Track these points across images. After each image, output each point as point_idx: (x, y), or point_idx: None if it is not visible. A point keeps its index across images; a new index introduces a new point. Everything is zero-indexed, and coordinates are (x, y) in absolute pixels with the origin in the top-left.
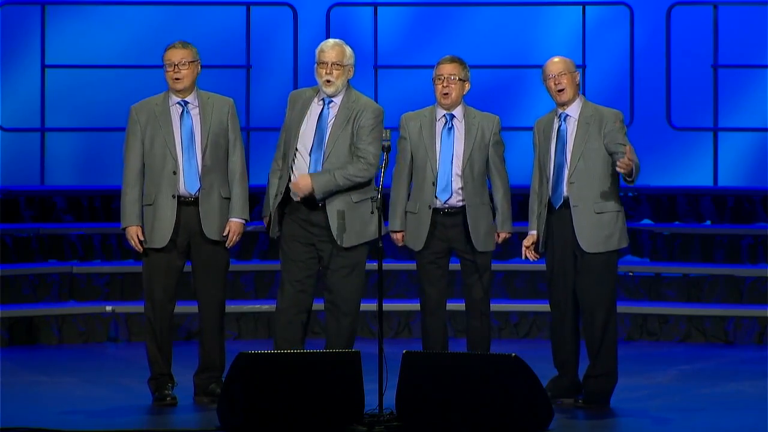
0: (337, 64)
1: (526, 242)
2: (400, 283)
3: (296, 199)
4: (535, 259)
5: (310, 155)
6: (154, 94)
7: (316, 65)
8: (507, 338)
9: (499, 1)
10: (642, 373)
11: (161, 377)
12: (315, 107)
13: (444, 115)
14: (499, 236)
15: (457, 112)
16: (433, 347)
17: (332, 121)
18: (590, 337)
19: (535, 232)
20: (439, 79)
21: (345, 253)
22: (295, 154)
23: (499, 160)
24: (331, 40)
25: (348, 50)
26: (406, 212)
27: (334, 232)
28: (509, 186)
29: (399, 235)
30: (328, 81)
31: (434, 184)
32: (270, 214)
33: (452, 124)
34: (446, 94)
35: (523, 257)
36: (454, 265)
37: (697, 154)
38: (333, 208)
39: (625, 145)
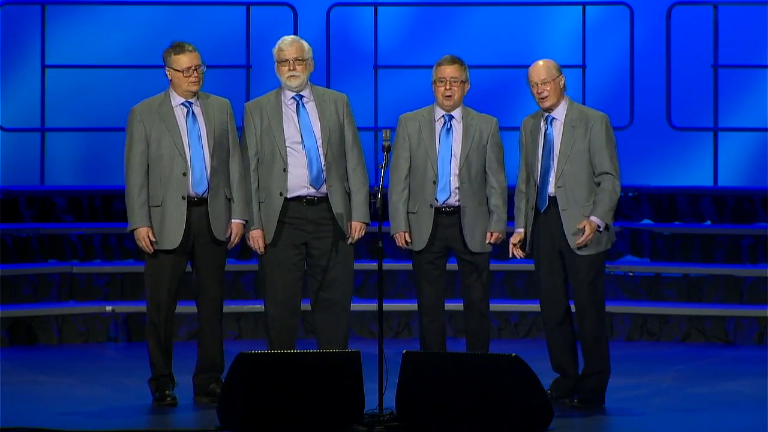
0: (299, 59)
1: (513, 239)
2: (400, 283)
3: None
4: (522, 257)
5: (303, 147)
6: (154, 94)
7: (276, 64)
8: (507, 338)
9: (499, 1)
10: (642, 373)
11: (162, 378)
12: (289, 107)
13: (443, 116)
14: (491, 236)
15: (456, 112)
16: (431, 349)
17: (317, 116)
18: (582, 336)
19: (522, 230)
20: (441, 81)
21: (341, 248)
22: (287, 152)
23: (497, 162)
24: (287, 38)
25: (306, 45)
26: (409, 212)
27: (342, 224)
28: (506, 188)
29: (403, 235)
30: (292, 76)
31: (435, 183)
32: (262, 227)
33: (451, 125)
34: (449, 96)
35: (510, 255)
36: (452, 265)
37: (697, 154)
38: (336, 200)
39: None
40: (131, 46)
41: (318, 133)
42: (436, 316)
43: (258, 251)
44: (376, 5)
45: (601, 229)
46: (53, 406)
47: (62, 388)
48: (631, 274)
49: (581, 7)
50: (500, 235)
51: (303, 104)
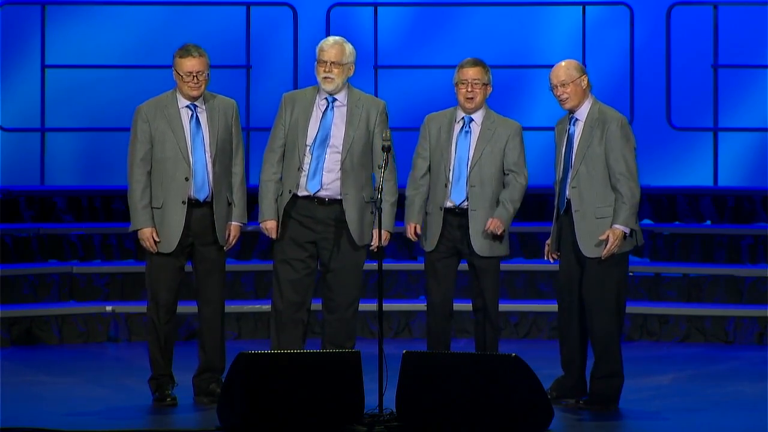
0: (337, 63)
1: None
2: (400, 283)
3: None
4: (554, 260)
5: (311, 153)
6: (156, 94)
7: (316, 63)
8: (507, 338)
9: (499, 1)
10: (642, 373)
11: (162, 377)
12: (320, 106)
13: (463, 118)
14: (491, 223)
15: (477, 115)
16: (437, 348)
17: (344, 122)
18: (593, 338)
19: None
20: (463, 83)
21: (350, 251)
22: (304, 152)
23: (514, 165)
24: (331, 38)
25: (348, 48)
26: (426, 212)
27: (353, 231)
28: (522, 187)
29: (413, 226)
30: (327, 78)
31: (447, 186)
32: (276, 217)
33: (469, 128)
34: (470, 98)
35: (546, 258)
36: (463, 265)
37: (697, 154)
38: (350, 206)
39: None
40: (131, 46)
41: (330, 139)
42: (443, 315)
43: (272, 237)
44: (376, 5)
45: (627, 235)
46: (53, 406)
47: (62, 388)
48: (631, 274)
49: (581, 7)
50: (500, 224)
51: (333, 107)
